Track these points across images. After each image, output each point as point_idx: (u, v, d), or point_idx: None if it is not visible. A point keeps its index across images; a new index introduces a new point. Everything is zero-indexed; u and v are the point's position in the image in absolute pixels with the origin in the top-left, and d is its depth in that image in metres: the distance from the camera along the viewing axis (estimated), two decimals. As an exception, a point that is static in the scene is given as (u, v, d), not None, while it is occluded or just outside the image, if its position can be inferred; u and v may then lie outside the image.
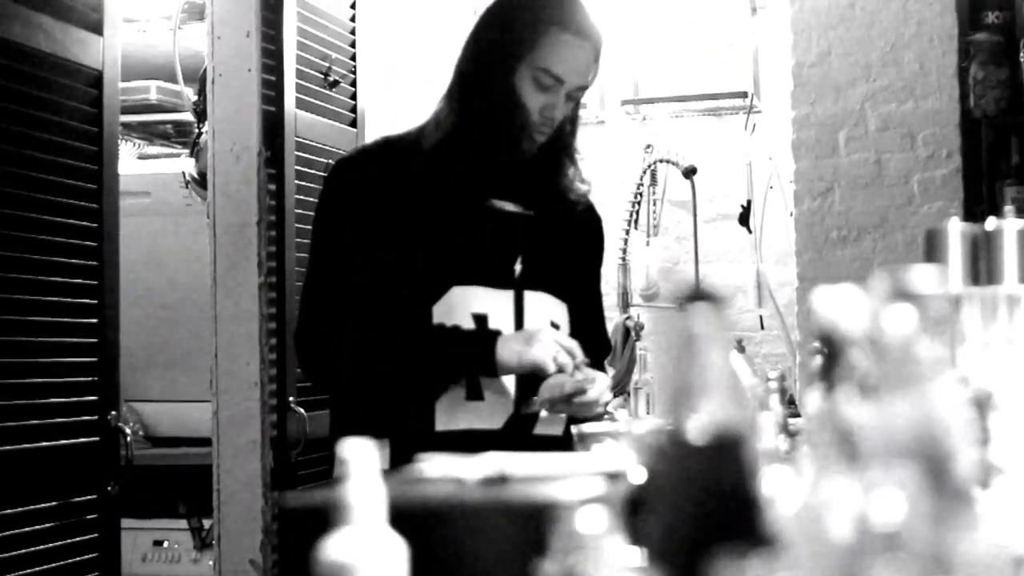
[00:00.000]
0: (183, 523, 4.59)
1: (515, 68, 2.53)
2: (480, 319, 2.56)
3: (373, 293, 2.52)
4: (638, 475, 1.48)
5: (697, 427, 1.00)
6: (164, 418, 4.60)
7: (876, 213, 4.61)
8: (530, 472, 1.52)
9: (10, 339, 2.93)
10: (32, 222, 3.00)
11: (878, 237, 4.61)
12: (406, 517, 1.26)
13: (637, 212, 4.87)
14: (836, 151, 4.66)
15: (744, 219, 4.97)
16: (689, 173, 4.80)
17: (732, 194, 5.13)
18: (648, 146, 4.99)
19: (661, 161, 4.89)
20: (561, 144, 2.65)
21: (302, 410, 3.94)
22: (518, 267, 2.62)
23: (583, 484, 1.47)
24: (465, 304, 2.53)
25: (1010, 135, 4.44)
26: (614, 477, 1.51)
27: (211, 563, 4.50)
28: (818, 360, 1.25)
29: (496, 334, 2.50)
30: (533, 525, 1.38)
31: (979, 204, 4.51)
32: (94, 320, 3.18)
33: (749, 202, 5.01)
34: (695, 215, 4.85)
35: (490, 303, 2.56)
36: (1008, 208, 4.33)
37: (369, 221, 2.54)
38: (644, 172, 4.95)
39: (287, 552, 1.50)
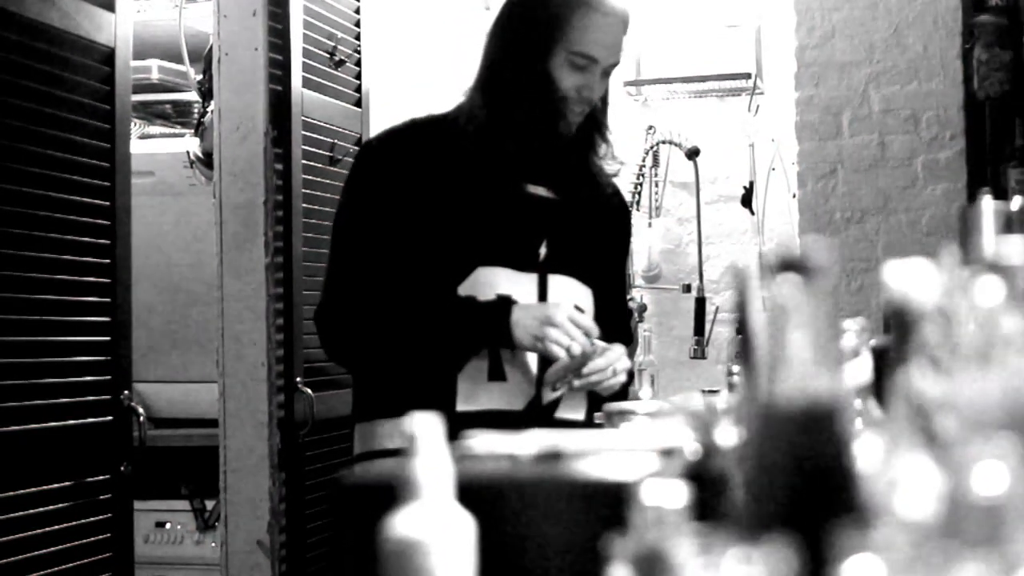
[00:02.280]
0: (186, 504, 4.58)
1: (549, 53, 2.53)
2: (505, 301, 2.55)
3: (398, 272, 2.51)
4: (694, 450, 1.47)
5: (792, 398, 0.99)
6: (165, 399, 4.58)
7: (879, 195, 4.61)
8: (582, 448, 1.51)
9: (23, 318, 2.91)
10: (45, 200, 2.98)
11: (881, 219, 4.60)
12: (466, 494, 1.25)
13: (639, 194, 4.86)
14: (840, 133, 4.65)
15: (747, 201, 4.97)
16: (692, 154, 4.80)
17: (734, 176, 5.13)
18: (650, 127, 4.99)
19: (663, 142, 4.88)
20: (594, 122, 2.64)
21: (309, 390, 3.92)
22: (543, 251, 2.60)
23: (638, 460, 1.46)
24: (489, 285, 2.52)
25: (1014, 117, 4.44)
26: (667, 453, 1.50)
27: (214, 544, 4.50)
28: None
29: (512, 303, 2.49)
30: (599, 502, 1.37)
31: (982, 186, 4.51)
32: (107, 299, 3.16)
33: (751, 183, 5.00)
34: (698, 196, 4.85)
35: (514, 285, 2.55)
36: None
37: (397, 201, 2.53)
38: (646, 153, 4.95)
39: (344, 530, 1.49)
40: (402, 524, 1.21)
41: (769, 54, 5.03)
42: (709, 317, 4.82)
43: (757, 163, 5.06)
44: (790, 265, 1.04)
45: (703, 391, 3.69)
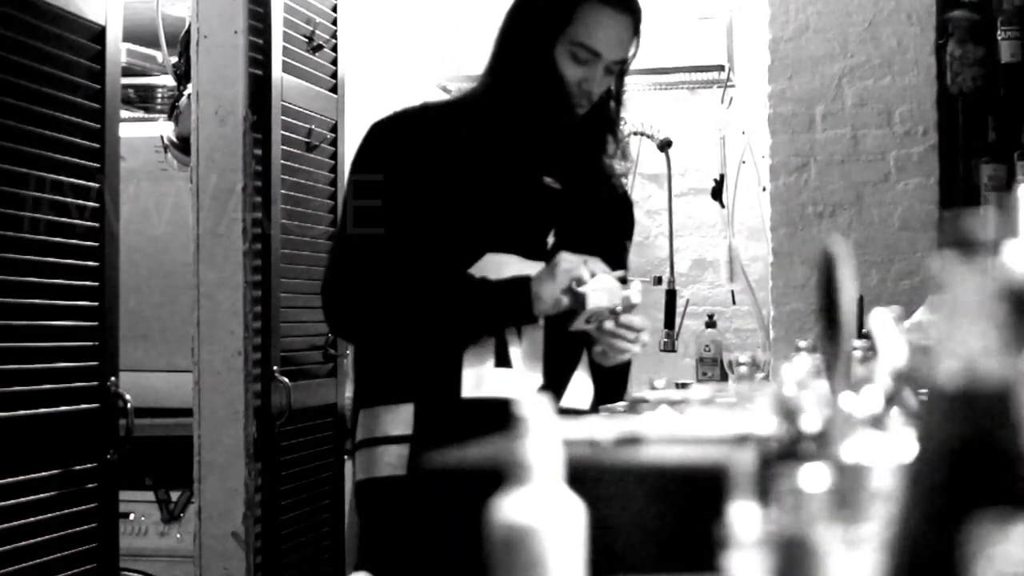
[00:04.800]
0: (150, 495, 4.50)
1: (553, 43, 2.53)
2: None
3: (408, 251, 2.49)
4: (783, 435, 1.44)
5: (963, 380, 0.96)
6: (130, 389, 4.49)
7: (852, 189, 4.61)
8: (660, 433, 1.48)
9: (9, 301, 2.83)
10: (33, 180, 2.91)
11: (853, 213, 4.60)
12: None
13: (609, 185, 4.83)
14: (812, 126, 4.65)
15: (717, 193, 4.96)
16: (664, 146, 4.78)
17: (704, 168, 5.11)
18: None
19: (635, 134, 4.86)
20: (605, 120, 2.65)
21: (286, 379, 3.86)
22: (551, 239, 2.60)
23: (717, 445, 1.43)
24: (498, 271, 2.51)
25: (987, 113, 4.45)
26: (743, 439, 1.47)
27: (179, 536, 4.42)
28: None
29: (528, 279, 2.48)
30: (686, 487, 1.34)
31: (955, 181, 4.53)
32: (95, 283, 3.09)
33: (722, 176, 4.99)
34: (670, 188, 4.83)
35: (522, 272, 2.53)
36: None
37: (407, 181, 2.52)
38: (617, 145, 4.92)
39: (424, 515, 1.44)
40: (512, 509, 1.17)
41: (741, 47, 5.03)
42: (679, 310, 4.81)
43: (728, 156, 5.05)
44: (959, 242, 1.00)
45: (676, 384, 3.67)
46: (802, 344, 1.85)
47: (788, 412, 1.48)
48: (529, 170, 2.61)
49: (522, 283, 2.46)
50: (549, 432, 1.18)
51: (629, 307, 2.46)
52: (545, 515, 1.16)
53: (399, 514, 2.49)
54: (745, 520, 1.23)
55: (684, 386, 3.64)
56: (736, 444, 1.44)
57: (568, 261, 2.44)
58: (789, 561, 1.06)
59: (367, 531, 2.61)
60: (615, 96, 2.67)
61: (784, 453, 1.43)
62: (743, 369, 2.26)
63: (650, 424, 1.52)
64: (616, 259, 2.80)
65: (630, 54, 2.62)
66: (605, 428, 1.49)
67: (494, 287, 2.48)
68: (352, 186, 2.59)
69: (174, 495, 4.52)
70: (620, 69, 2.63)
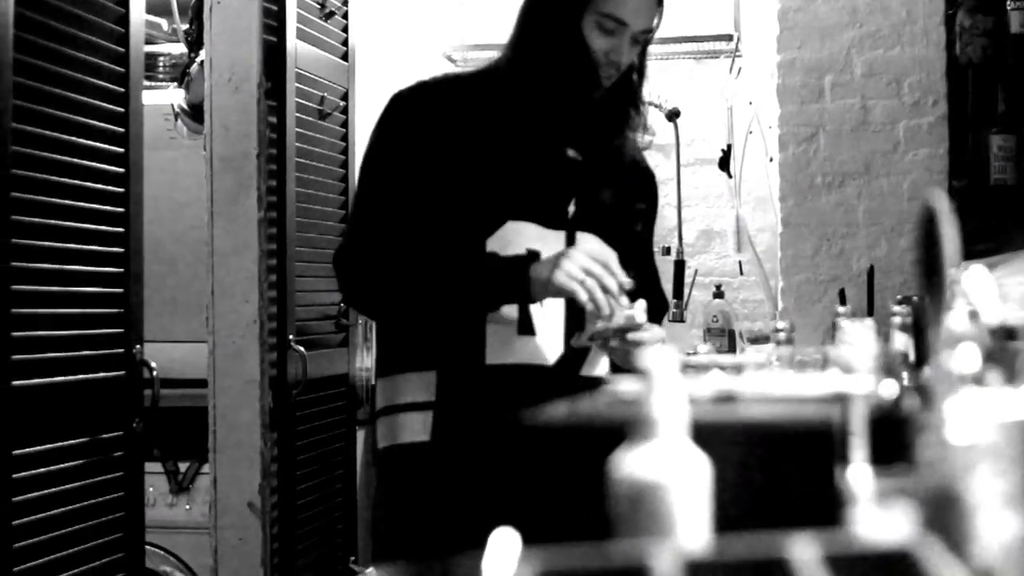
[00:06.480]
0: (158, 466, 4.47)
1: (580, 14, 2.50)
2: (534, 255, 2.51)
3: (428, 220, 2.46)
4: (890, 393, 1.43)
5: None
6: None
7: (861, 159, 4.60)
8: (755, 392, 1.46)
9: (36, 266, 2.79)
10: (60, 143, 2.86)
11: (862, 184, 4.59)
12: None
13: (615, 155, 4.81)
14: (821, 96, 4.63)
15: (724, 164, 4.94)
16: (673, 116, 4.76)
17: (711, 138, 5.09)
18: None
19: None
20: (628, 93, 2.62)
21: (303, 349, 3.84)
22: (571, 208, 2.58)
23: (815, 403, 1.42)
24: (519, 240, 2.49)
25: (996, 83, 4.43)
26: (840, 398, 1.46)
27: (188, 507, 4.40)
28: None
29: (534, 258, 2.45)
30: (790, 445, 1.32)
31: (964, 152, 4.52)
32: (121, 249, 3.05)
33: (729, 146, 4.97)
34: (678, 159, 4.81)
35: (542, 241, 2.52)
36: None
37: (429, 148, 2.50)
38: (624, 115, 4.89)
39: (530, 473, 1.42)
40: (637, 464, 1.15)
41: (748, 16, 5.00)
42: (688, 280, 4.80)
43: (735, 126, 5.03)
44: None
45: (685, 353, 3.66)
46: (896, 304, 1.84)
47: (891, 369, 1.47)
48: (552, 141, 2.59)
49: (521, 267, 2.42)
50: (674, 386, 1.17)
51: (635, 327, 2.42)
52: (671, 470, 1.14)
53: (424, 480, 2.47)
54: (860, 476, 1.22)
55: (692, 355, 3.63)
56: (834, 402, 1.43)
57: (571, 264, 2.38)
58: (938, 514, 1.05)
59: (389, 498, 2.59)
60: (638, 69, 2.64)
61: (889, 411, 1.42)
62: (782, 335, 2.26)
63: (740, 383, 1.50)
64: (639, 232, 2.79)
65: (655, 23, 2.59)
66: (699, 386, 1.47)
67: (494, 268, 2.45)
68: (372, 154, 2.56)
69: (182, 466, 4.49)
70: (645, 39, 2.61)
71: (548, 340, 2.51)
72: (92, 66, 2.98)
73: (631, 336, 2.45)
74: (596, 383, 2.55)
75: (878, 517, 1.19)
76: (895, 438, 1.41)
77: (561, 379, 2.48)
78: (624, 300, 2.42)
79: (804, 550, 0.96)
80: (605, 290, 2.37)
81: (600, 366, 2.63)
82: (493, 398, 2.46)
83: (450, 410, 2.46)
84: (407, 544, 2.49)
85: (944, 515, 1.04)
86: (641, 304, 2.52)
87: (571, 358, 2.54)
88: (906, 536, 1.04)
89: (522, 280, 2.41)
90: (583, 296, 2.37)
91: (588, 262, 2.38)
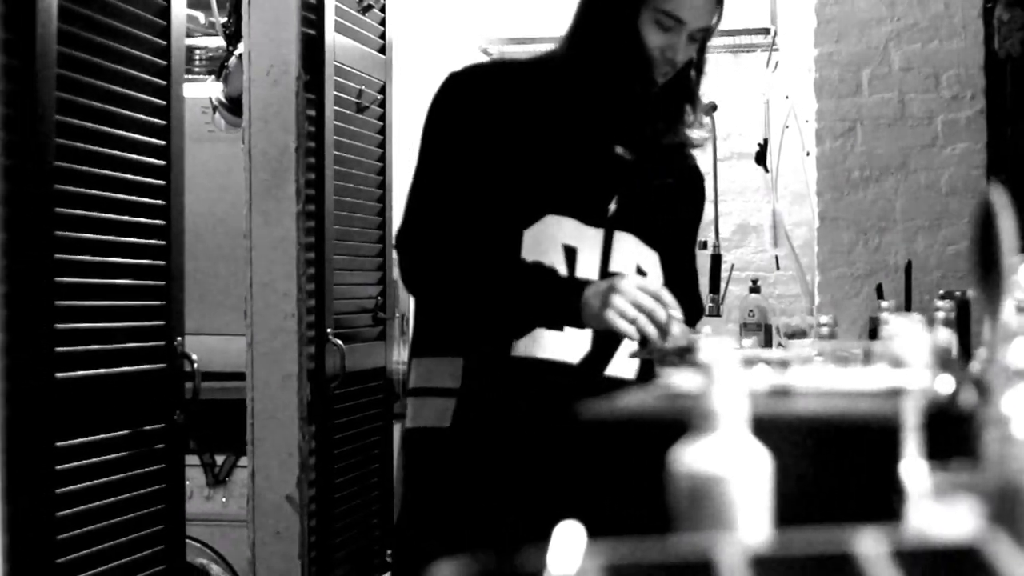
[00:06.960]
0: (195, 459, 4.48)
1: (638, 11, 2.48)
2: (570, 251, 2.50)
3: (472, 206, 2.46)
4: (947, 388, 1.42)
5: None
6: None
7: (898, 154, 4.58)
8: (812, 386, 1.46)
9: (78, 258, 2.80)
10: (102, 136, 2.87)
11: (900, 178, 4.58)
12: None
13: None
14: (859, 90, 4.62)
15: (761, 158, 4.93)
16: (710, 110, 4.74)
17: (747, 133, 5.08)
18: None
19: (679, 98, 4.82)
20: (685, 90, 2.59)
21: (340, 342, 3.84)
22: (612, 206, 2.56)
23: (870, 398, 1.41)
24: (557, 234, 2.48)
25: (1035, 77, 4.42)
26: (895, 392, 1.45)
27: (224, 500, 4.41)
28: None
29: (584, 285, 2.42)
30: (870, 438, 1.32)
31: (1003, 146, 4.50)
32: (162, 242, 3.06)
33: (766, 141, 4.96)
34: (715, 153, 4.80)
35: (580, 238, 2.50)
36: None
37: (478, 133, 2.50)
38: (660, 109, 4.89)
39: (589, 467, 1.42)
40: (698, 457, 1.15)
41: (785, 10, 4.99)
42: (724, 275, 4.79)
43: (771, 120, 5.02)
44: None
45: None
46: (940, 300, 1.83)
47: (947, 364, 1.46)
48: (601, 137, 2.57)
49: (574, 293, 2.40)
50: (735, 379, 1.16)
51: (693, 349, 2.39)
52: (733, 464, 1.14)
53: (441, 466, 2.47)
54: (918, 471, 1.21)
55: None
56: (890, 397, 1.42)
57: (621, 300, 2.35)
58: (1003, 509, 1.04)
59: (409, 479, 2.60)
60: (696, 65, 2.62)
61: (946, 405, 1.41)
62: (824, 330, 2.25)
63: (794, 377, 1.50)
64: (681, 234, 2.77)
65: (713, 22, 2.57)
66: (753, 380, 1.47)
67: (547, 291, 2.43)
68: (428, 133, 2.56)
69: (219, 459, 4.50)
70: (703, 37, 2.59)
71: (574, 337, 2.50)
72: (134, 59, 2.99)
73: (688, 357, 2.42)
74: (619, 383, 2.54)
75: (938, 512, 1.19)
76: (953, 433, 1.41)
77: (585, 377, 2.46)
78: (675, 328, 2.39)
79: (869, 545, 0.95)
80: (655, 322, 2.35)
81: (624, 367, 2.60)
82: (516, 391, 2.45)
83: (472, 400, 2.46)
84: (423, 526, 2.49)
85: (1010, 510, 1.04)
86: (707, 329, 2.51)
87: (596, 357, 2.52)
88: (971, 531, 1.03)
89: (575, 309, 2.39)
90: (635, 336, 2.35)
91: (639, 295, 2.33)
